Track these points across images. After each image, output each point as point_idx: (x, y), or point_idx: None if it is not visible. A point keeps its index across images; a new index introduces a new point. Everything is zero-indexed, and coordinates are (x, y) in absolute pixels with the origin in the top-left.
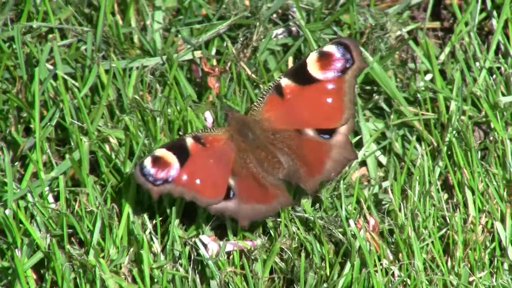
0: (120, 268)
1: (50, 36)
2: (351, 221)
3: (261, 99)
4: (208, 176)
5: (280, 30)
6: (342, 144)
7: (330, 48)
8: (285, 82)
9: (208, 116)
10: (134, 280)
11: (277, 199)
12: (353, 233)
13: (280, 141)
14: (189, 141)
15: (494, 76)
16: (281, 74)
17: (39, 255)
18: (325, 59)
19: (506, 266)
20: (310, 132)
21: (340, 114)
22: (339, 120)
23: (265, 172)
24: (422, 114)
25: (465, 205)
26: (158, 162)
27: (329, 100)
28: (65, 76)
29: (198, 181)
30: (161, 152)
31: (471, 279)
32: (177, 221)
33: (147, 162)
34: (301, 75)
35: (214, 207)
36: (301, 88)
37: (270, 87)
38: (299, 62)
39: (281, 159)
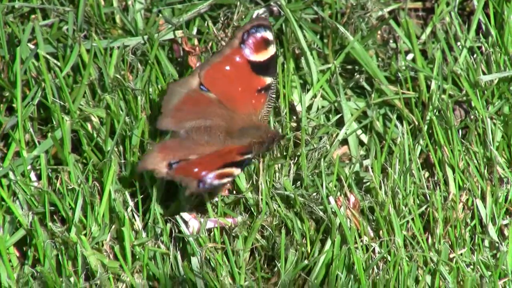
0: (102, 245)
1: (32, 16)
2: (331, 199)
3: None
4: None
5: (261, 10)
6: None
7: None
8: None
9: None
10: (115, 257)
11: None
12: (333, 210)
13: None
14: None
15: (475, 55)
16: None
17: (21, 233)
18: None
19: (486, 243)
20: None
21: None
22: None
23: None
24: (403, 93)
25: (446, 183)
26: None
27: None
28: (47, 56)
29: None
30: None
31: (451, 256)
32: (158, 199)
33: None
34: None
35: None
36: None
37: None
38: None
39: None
